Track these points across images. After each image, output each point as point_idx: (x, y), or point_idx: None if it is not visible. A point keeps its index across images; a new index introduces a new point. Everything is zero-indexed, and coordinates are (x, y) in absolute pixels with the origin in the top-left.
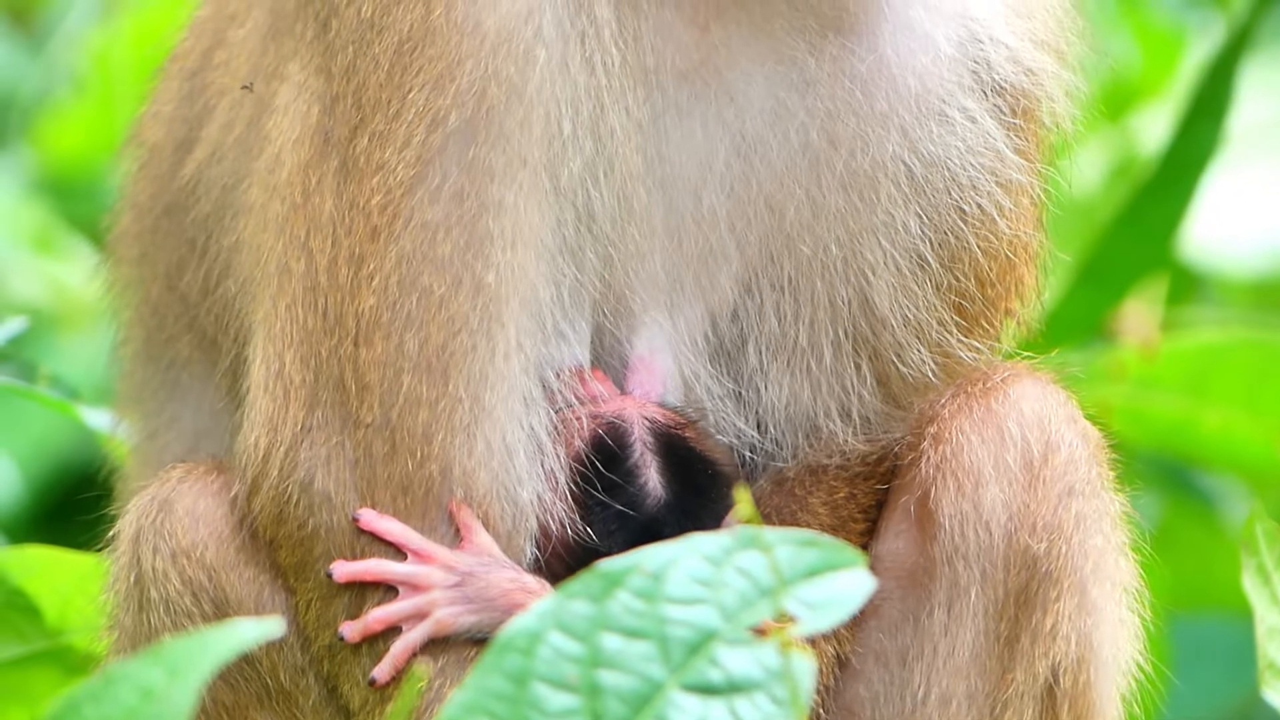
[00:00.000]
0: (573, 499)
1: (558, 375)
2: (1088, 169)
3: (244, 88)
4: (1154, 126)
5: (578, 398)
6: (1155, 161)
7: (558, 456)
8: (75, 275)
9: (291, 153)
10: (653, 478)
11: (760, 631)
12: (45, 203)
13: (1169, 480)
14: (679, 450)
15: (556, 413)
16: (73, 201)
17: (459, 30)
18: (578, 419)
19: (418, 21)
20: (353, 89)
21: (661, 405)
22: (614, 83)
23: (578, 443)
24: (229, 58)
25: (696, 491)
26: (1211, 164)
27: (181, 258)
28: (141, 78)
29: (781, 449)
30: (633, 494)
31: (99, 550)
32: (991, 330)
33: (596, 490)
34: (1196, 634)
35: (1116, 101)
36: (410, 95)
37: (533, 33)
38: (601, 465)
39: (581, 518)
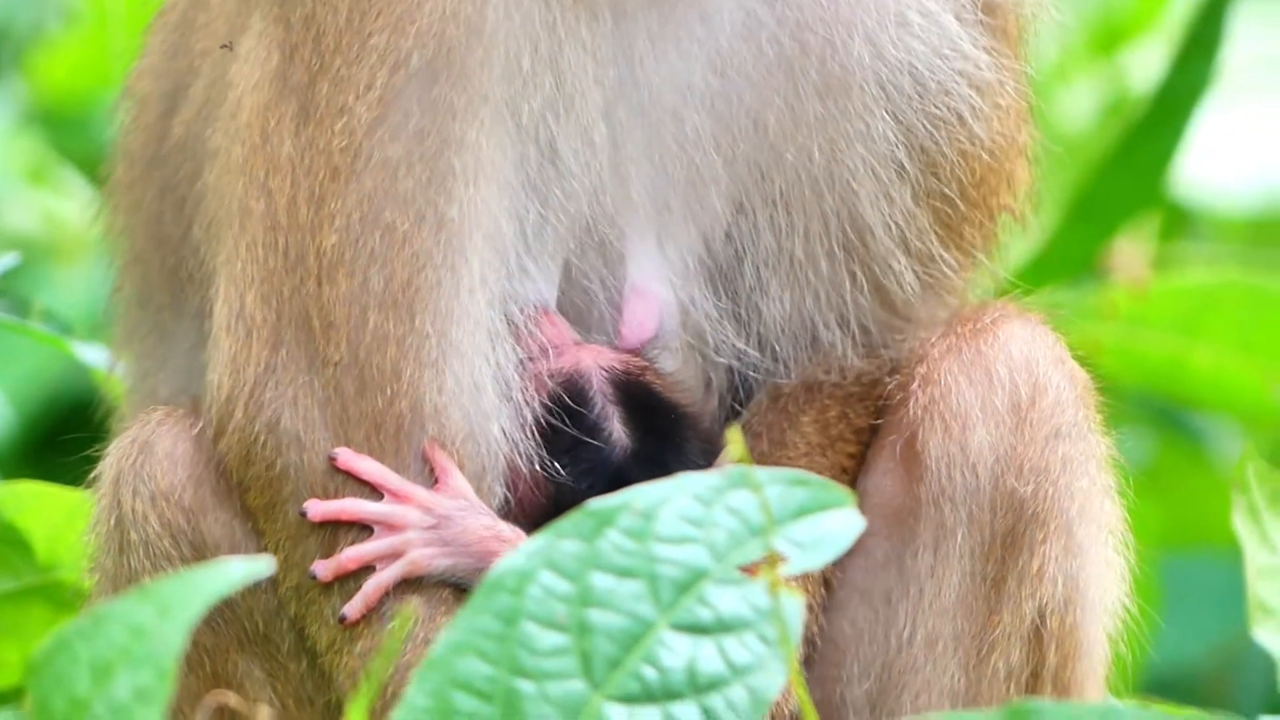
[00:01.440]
0: (540, 473)
1: (523, 311)
2: (1079, 106)
3: (223, 47)
4: (1146, 63)
5: (535, 349)
6: (1147, 98)
7: (524, 392)
8: (68, 207)
9: (251, 96)
10: (616, 428)
11: (750, 570)
12: (38, 134)
13: (1160, 419)
14: (640, 397)
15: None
16: (66, 133)
17: None
18: (536, 376)
19: None
20: (311, 36)
21: (616, 350)
22: (568, 17)
23: (539, 400)
24: (209, 19)
25: (661, 437)
26: (1204, 100)
27: (167, 208)
28: (134, 11)
29: (782, 365)
30: (598, 447)
31: (87, 487)
32: (983, 233)
33: (561, 447)
34: (1186, 573)
35: (1108, 37)
36: (371, 40)
37: None
38: (564, 422)
39: (547, 471)
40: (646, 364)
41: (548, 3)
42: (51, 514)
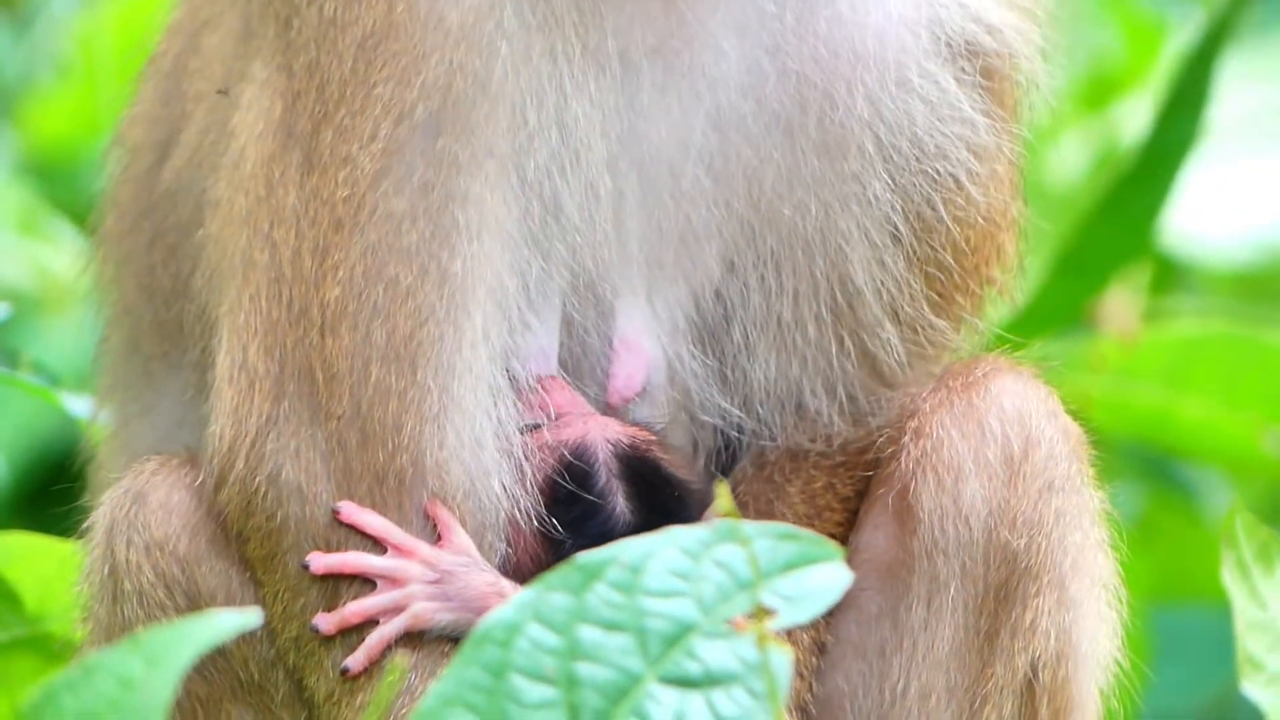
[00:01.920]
0: (540, 530)
1: (524, 366)
2: (1069, 158)
3: (219, 92)
4: (1135, 116)
5: (540, 416)
6: (1136, 151)
7: (528, 454)
8: (59, 258)
9: (255, 147)
10: (620, 503)
11: (738, 624)
12: (29, 185)
13: (1149, 471)
14: (645, 472)
15: (523, 424)
16: (56, 184)
17: (422, 25)
18: (541, 448)
19: (380, 17)
20: (315, 85)
21: (624, 422)
22: (576, 72)
23: (543, 472)
24: (204, 64)
25: (666, 513)
26: (1192, 154)
27: (160, 259)
28: (125, 62)
29: (767, 429)
30: (601, 521)
31: (78, 538)
32: (970, 303)
33: (565, 518)
34: (1176, 626)
35: (1097, 91)
36: (375, 90)
37: (495, 25)
38: (568, 493)
39: (546, 550)
40: (654, 438)
41: (554, 57)
42: (41, 565)
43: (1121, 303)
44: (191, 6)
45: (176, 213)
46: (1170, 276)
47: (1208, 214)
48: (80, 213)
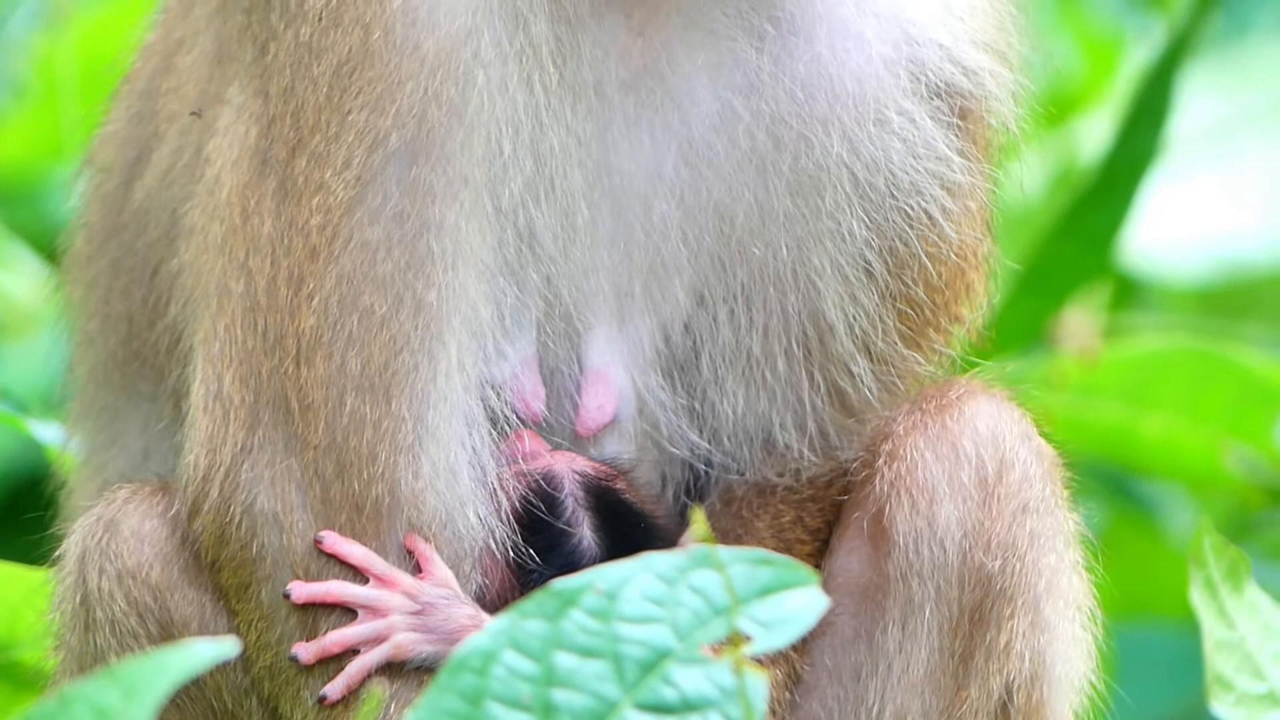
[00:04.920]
0: (514, 560)
1: (498, 395)
2: (1027, 176)
3: (192, 114)
4: (1094, 133)
5: (509, 458)
6: (1095, 168)
7: (501, 483)
8: (18, 283)
9: (230, 174)
10: (586, 534)
11: (714, 650)
12: None
13: (1110, 488)
14: (611, 504)
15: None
16: (15, 208)
17: (399, 52)
18: (510, 480)
19: (357, 44)
20: (291, 110)
21: (591, 459)
22: (553, 101)
23: (513, 501)
24: (178, 84)
25: (631, 546)
26: (1151, 170)
27: (130, 281)
28: (87, 85)
29: (735, 462)
30: (568, 551)
31: (47, 566)
32: (941, 337)
33: (535, 546)
34: (1138, 642)
35: (1056, 108)
36: (350, 116)
37: (471, 54)
38: (535, 526)
39: (520, 580)
40: (618, 472)
41: (531, 86)
42: (9, 593)
43: (1081, 320)
44: (166, 27)
45: (146, 233)
46: (1130, 293)
47: (1167, 230)
48: (40, 238)
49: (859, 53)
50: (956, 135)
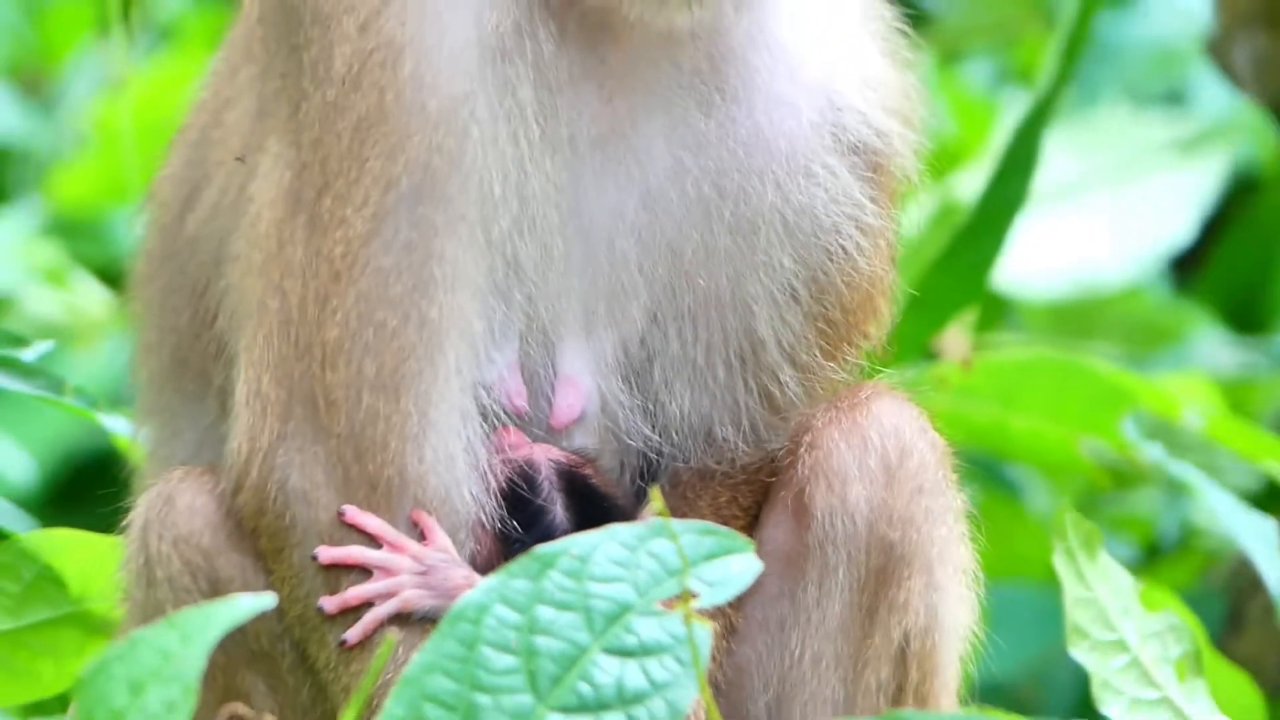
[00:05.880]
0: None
1: (488, 394)
2: (916, 216)
3: (237, 159)
4: (970, 182)
5: (497, 447)
6: (972, 211)
7: (490, 468)
8: (84, 301)
9: (268, 210)
10: (559, 512)
11: (668, 604)
12: (56, 243)
13: (984, 473)
14: (579, 487)
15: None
16: (79, 242)
17: (408, 111)
18: (497, 465)
19: (374, 105)
20: (319, 158)
21: (564, 449)
22: (535, 152)
23: (500, 482)
24: (225, 135)
25: (596, 521)
26: (1018, 214)
27: (184, 299)
28: (139, 138)
29: (682, 453)
30: (545, 525)
31: (112, 533)
32: (852, 351)
33: (518, 522)
34: (1009, 599)
35: (939, 161)
36: (368, 164)
37: (468, 113)
38: (518, 503)
39: (506, 548)
40: (585, 460)
41: (517, 140)
42: (81, 556)
43: (959, 335)
44: (215, 87)
45: (196, 258)
46: (999, 312)
47: (1031, 261)
48: (99, 266)
49: (791, 118)
50: (869, 185)
